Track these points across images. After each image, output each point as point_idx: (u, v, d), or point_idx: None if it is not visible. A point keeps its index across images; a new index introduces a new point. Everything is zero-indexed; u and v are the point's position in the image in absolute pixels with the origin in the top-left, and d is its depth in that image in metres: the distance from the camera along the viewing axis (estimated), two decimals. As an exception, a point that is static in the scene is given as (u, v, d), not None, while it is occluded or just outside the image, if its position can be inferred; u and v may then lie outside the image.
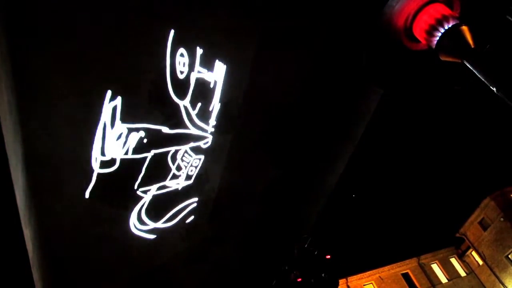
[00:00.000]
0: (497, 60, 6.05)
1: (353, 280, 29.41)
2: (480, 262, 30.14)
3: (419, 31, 6.74)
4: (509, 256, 27.83)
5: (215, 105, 5.99)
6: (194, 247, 8.47)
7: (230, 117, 7.62)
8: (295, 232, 10.95)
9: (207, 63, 5.89)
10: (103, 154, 4.34)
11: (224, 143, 7.78)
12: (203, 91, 5.55)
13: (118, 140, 4.41)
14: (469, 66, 6.15)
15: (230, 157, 7.96)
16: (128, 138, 4.53)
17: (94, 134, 4.33)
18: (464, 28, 6.18)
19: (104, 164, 4.39)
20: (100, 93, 4.18)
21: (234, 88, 7.54)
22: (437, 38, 6.39)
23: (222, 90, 6.39)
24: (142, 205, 5.26)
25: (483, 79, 6.05)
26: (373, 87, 8.16)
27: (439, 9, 6.45)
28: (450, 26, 6.25)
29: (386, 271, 30.44)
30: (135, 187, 5.03)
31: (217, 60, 6.70)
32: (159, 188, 5.32)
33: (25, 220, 5.09)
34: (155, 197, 5.35)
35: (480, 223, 30.08)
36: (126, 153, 4.61)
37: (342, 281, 28.62)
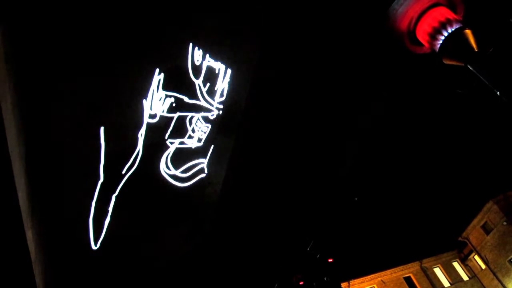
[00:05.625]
0: (500, 64, 6.03)
1: (355, 283, 29.27)
2: (483, 266, 29.95)
3: (422, 34, 6.73)
4: (512, 260, 27.65)
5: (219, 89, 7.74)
6: (196, 251, 8.46)
7: (233, 120, 7.64)
8: (298, 236, 10.92)
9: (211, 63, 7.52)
10: (151, 108, 6.48)
11: (227, 146, 7.79)
12: (211, 77, 7.54)
13: (159, 101, 6.58)
14: (473, 70, 6.13)
15: (232, 160, 7.97)
16: (165, 101, 6.67)
17: (146, 96, 6.42)
18: (468, 32, 6.16)
19: (150, 116, 6.50)
20: (152, 71, 6.46)
21: (236, 91, 7.56)
22: (441, 41, 6.38)
23: (228, 91, 7.65)
24: (169, 153, 7.00)
25: (486, 83, 6.02)
26: (376, 90, 8.15)
27: (443, 13, 6.43)
28: (453, 29, 6.23)
29: (388, 275, 30.29)
30: (166, 137, 6.88)
31: (219, 63, 6.96)
32: (180, 143, 7.15)
33: (27, 221, 5.11)
34: (177, 149, 7.12)
35: (483, 227, 29.89)
36: (163, 111, 6.68)
37: (344, 285, 28.53)
